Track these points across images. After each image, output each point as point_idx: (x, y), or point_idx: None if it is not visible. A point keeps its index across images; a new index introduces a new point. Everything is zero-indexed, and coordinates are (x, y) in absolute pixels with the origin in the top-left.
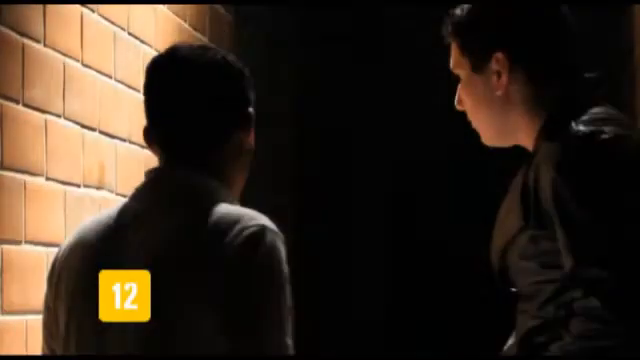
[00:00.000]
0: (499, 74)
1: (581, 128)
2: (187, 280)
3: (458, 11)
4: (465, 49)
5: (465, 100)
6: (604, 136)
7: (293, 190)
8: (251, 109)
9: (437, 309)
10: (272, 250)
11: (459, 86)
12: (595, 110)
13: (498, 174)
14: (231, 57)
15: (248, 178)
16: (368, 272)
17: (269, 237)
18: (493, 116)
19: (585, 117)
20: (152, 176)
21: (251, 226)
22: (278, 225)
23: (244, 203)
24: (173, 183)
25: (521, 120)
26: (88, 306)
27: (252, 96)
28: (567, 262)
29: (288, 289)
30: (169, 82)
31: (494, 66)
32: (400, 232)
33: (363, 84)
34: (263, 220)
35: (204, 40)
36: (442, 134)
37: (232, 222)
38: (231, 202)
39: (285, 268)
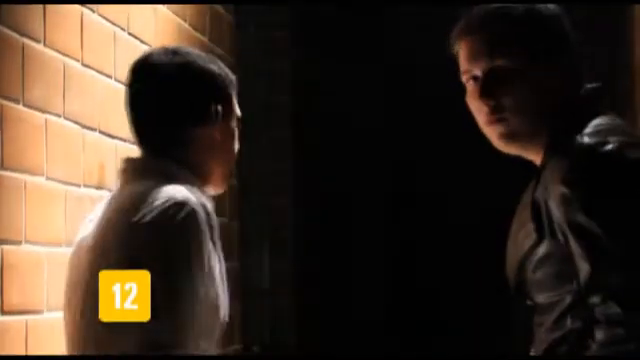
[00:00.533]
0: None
1: (585, 140)
2: (111, 254)
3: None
4: (532, 40)
5: (518, 93)
6: (608, 146)
7: (293, 190)
8: (219, 106)
9: (437, 309)
10: (162, 218)
11: (492, 79)
12: (598, 121)
13: (498, 175)
14: (200, 60)
15: (248, 178)
16: (368, 272)
17: (170, 209)
18: (538, 117)
19: (589, 129)
20: (123, 165)
21: (160, 200)
22: (279, 225)
23: (245, 204)
24: (136, 167)
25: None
26: (68, 300)
27: (224, 93)
28: (583, 271)
29: (181, 261)
30: (136, 85)
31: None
32: (400, 232)
33: (363, 84)
34: (177, 194)
35: (204, 40)
36: (443, 134)
37: (153, 198)
38: (189, 186)
39: (177, 237)
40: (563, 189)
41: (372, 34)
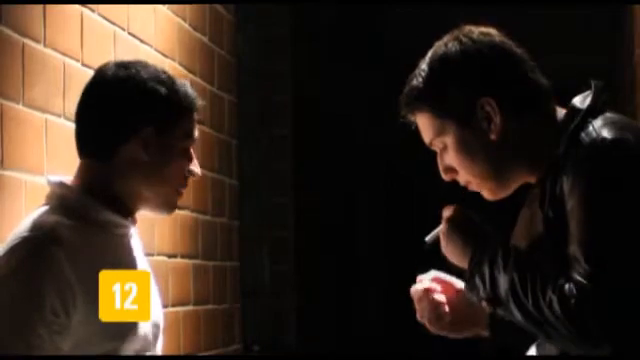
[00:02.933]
0: (489, 119)
1: (605, 135)
2: None
3: (417, 80)
4: (445, 109)
5: (458, 162)
6: (633, 139)
7: (293, 190)
8: (142, 125)
9: None
10: (7, 259)
11: (442, 156)
12: (608, 116)
13: None
14: (123, 72)
15: (248, 178)
16: (368, 272)
17: (10, 248)
18: (493, 162)
19: (606, 126)
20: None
21: (15, 235)
22: (279, 225)
23: (245, 204)
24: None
25: (522, 153)
26: None
27: (148, 112)
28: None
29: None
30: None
31: (481, 113)
32: (400, 231)
33: (364, 84)
34: (28, 231)
35: (204, 40)
36: None
37: (16, 230)
38: (69, 212)
39: (15, 278)
40: (585, 185)
41: (372, 34)
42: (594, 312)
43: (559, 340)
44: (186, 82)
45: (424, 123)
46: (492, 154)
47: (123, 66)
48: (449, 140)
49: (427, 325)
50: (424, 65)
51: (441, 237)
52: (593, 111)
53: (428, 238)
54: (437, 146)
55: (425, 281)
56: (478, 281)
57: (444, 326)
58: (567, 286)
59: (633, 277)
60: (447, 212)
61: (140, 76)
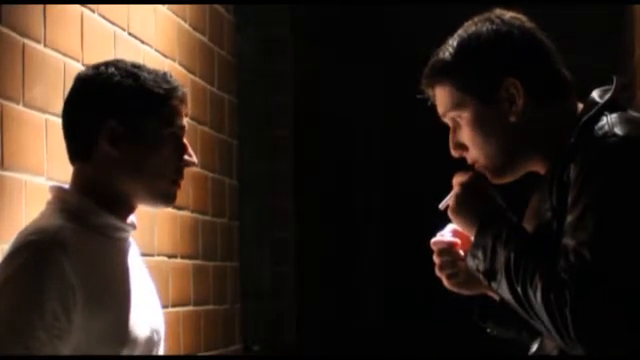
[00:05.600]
0: (511, 100)
1: (617, 131)
2: None
3: (443, 54)
4: (469, 84)
5: (471, 138)
6: None
7: (293, 190)
8: (105, 119)
9: (437, 310)
10: (10, 261)
11: (454, 131)
12: (626, 113)
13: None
14: (92, 72)
15: (248, 178)
16: (368, 272)
17: (14, 251)
18: (506, 144)
19: (621, 122)
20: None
21: (16, 240)
22: (279, 225)
23: (245, 204)
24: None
25: (535, 140)
26: None
27: (111, 105)
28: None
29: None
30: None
31: (505, 93)
32: (400, 232)
33: (364, 84)
34: (32, 235)
35: (204, 40)
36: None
37: (19, 234)
38: (68, 215)
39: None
40: (588, 181)
41: (373, 34)
42: (571, 309)
43: (539, 327)
44: (165, 72)
45: (442, 95)
46: (507, 136)
47: (95, 67)
48: (466, 115)
49: (444, 280)
50: (452, 41)
51: (451, 202)
52: (611, 106)
53: (441, 205)
54: (450, 120)
55: (447, 234)
56: (480, 252)
57: (459, 283)
58: (554, 277)
59: (619, 280)
60: (461, 177)
61: (107, 72)
